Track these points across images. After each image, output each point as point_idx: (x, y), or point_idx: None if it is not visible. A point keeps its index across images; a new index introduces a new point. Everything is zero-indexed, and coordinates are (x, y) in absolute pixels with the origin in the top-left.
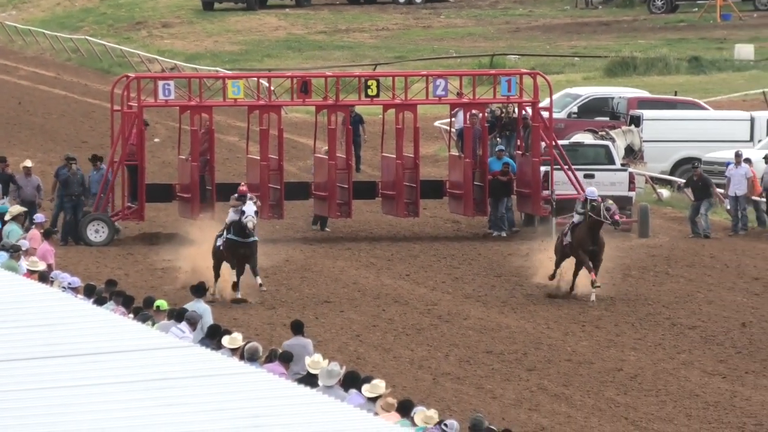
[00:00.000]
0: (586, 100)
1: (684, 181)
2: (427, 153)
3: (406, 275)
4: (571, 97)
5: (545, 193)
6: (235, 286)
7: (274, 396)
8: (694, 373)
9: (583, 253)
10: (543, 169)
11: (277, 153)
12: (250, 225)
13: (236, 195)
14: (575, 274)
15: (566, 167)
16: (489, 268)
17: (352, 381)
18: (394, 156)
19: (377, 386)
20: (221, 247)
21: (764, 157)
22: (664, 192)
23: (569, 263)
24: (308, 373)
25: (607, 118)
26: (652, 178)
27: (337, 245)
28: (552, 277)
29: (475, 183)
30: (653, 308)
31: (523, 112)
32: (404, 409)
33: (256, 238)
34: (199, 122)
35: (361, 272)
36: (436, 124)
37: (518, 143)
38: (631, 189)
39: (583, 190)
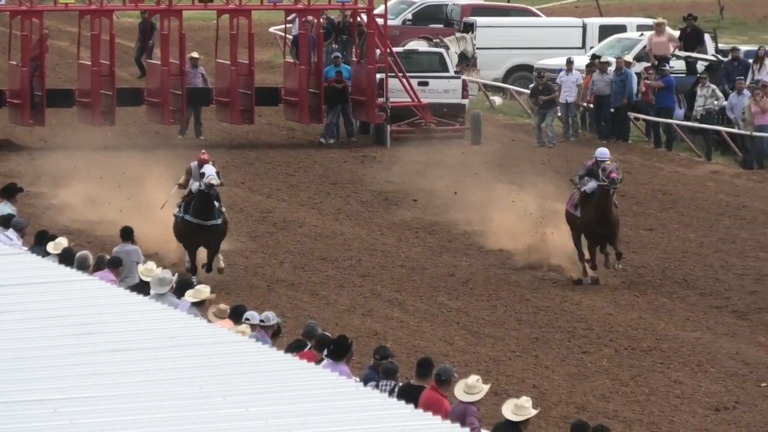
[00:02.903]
0: (421, 7)
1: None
2: (262, 59)
3: (242, 183)
4: (405, 4)
5: (380, 100)
6: (194, 271)
7: (106, 303)
8: (525, 278)
9: (591, 240)
10: (378, 76)
11: (109, 58)
12: (214, 182)
13: (196, 163)
14: (592, 254)
15: (401, 75)
16: (324, 176)
17: (184, 288)
18: (229, 62)
19: (201, 291)
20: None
21: (587, 65)
22: (497, 99)
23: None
24: (141, 280)
25: (441, 25)
26: (485, 85)
27: (171, 152)
28: (581, 258)
29: (311, 90)
30: (484, 214)
31: (358, 19)
32: (236, 315)
33: (218, 222)
34: (29, 27)
35: None
36: (272, 30)
37: (353, 50)
38: (464, 96)
39: (418, 98)
